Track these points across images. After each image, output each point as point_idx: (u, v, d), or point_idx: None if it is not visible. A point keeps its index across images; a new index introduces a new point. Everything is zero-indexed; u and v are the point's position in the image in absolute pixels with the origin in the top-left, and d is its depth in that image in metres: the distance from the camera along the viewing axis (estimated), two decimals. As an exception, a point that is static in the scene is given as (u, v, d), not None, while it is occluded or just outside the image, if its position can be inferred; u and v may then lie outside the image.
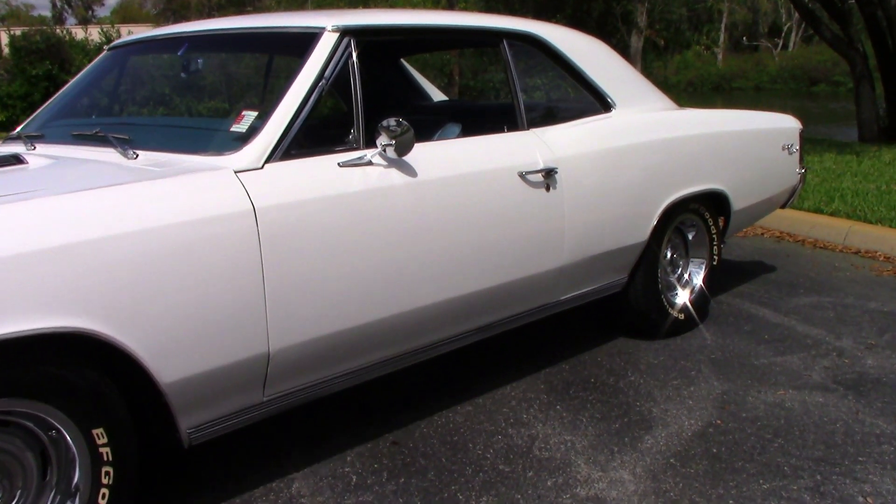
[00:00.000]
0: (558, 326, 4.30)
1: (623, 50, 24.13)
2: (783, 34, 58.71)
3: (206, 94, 3.30)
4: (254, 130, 2.66)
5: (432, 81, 5.07)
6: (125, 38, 3.59)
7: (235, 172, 2.52)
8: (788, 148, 4.74)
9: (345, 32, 2.90)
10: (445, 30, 3.37)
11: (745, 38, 61.17)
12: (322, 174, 2.70)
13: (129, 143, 2.80)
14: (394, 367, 3.04)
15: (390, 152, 2.80)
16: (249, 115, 2.73)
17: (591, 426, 3.24)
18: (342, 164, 2.76)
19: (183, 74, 3.31)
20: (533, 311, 3.53)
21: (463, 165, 3.08)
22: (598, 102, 3.84)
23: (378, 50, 4.43)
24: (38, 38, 21.22)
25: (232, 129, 2.71)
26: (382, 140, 2.79)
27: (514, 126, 3.46)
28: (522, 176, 3.25)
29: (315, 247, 2.61)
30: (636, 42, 23.32)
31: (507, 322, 3.43)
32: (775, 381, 3.64)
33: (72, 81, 3.60)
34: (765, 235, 6.69)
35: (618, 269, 3.89)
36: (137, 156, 2.69)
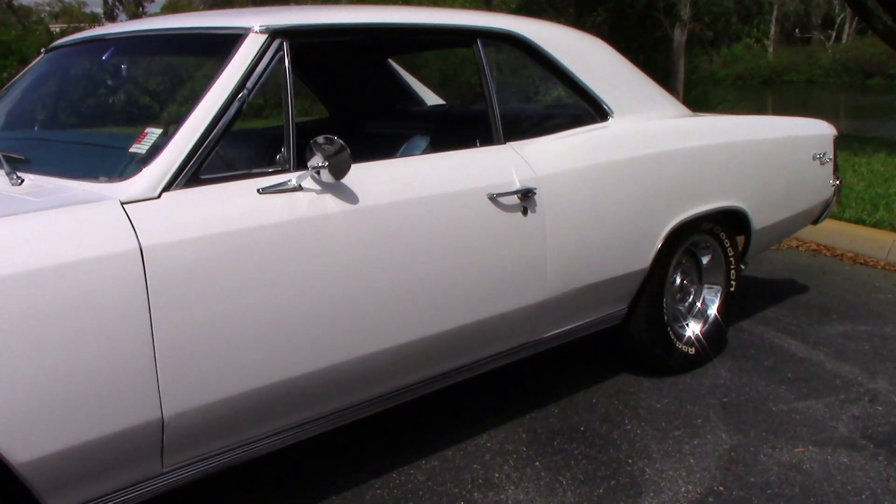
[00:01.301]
0: (552, 358, 3.83)
1: (666, 44, 23.40)
2: (836, 26, 57.18)
3: (130, 104, 2.89)
4: (155, 151, 2.24)
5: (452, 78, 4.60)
6: (66, 38, 3.20)
7: (122, 204, 2.11)
8: (820, 157, 4.20)
9: (275, 34, 2.47)
10: (405, 29, 2.92)
11: (796, 31, 59.64)
12: (235, 203, 2.28)
13: (23, 163, 2.42)
14: (333, 425, 2.61)
15: (325, 175, 2.37)
16: (152, 133, 2.31)
17: (570, 490, 2.78)
18: (263, 191, 2.33)
19: (109, 81, 2.91)
20: (509, 351, 3.07)
21: (417, 188, 2.63)
22: (592, 110, 3.35)
23: (354, 51, 3.99)
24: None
25: (131, 149, 2.30)
26: (315, 161, 2.37)
27: (488, 139, 3.00)
28: (493, 199, 2.79)
29: (222, 292, 2.19)
30: (679, 35, 22.52)
31: (476, 366, 2.98)
32: (794, 434, 3.13)
33: (7, 86, 3.22)
34: (799, 248, 6.13)
35: (615, 300, 3.41)
36: (22, 181, 2.29)
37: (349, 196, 2.46)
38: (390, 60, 4.34)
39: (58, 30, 21.74)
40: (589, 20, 24.05)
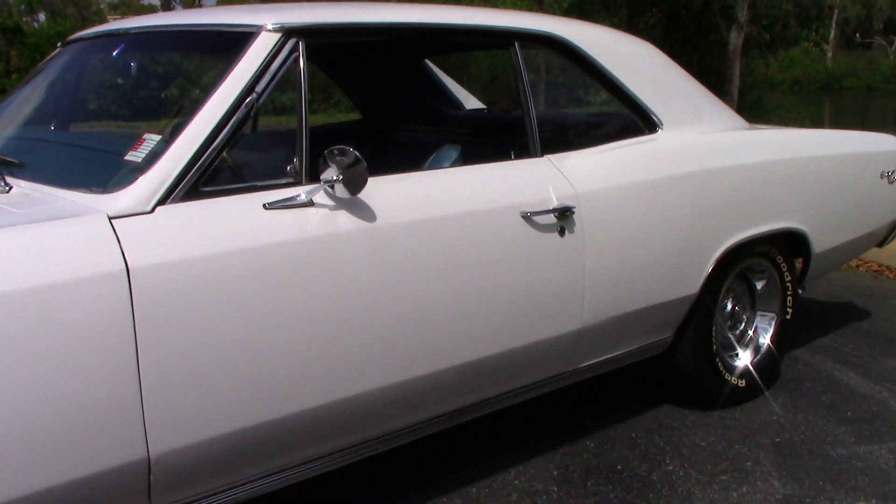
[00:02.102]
0: (587, 385, 3.55)
1: (722, 47, 22.80)
2: (900, 31, 55.65)
3: (134, 105, 2.70)
4: (151, 160, 2.04)
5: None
6: (83, 32, 3.02)
7: (110, 219, 1.90)
8: (888, 175, 3.88)
9: (289, 32, 2.25)
10: (431, 30, 2.68)
11: (857, 35, 58.17)
12: (238, 219, 2.06)
13: (18, 168, 2.25)
14: (342, 463, 2.38)
15: (339, 190, 2.14)
16: (150, 140, 2.11)
17: (603, 541, 2.52)
18: (270, 206, 2.11)
19: (119, 80, 2.72)
20: (541, 383, 2.82)
21: (442, 205, 2.40)
22: (639, 121, 3.08)
23: (385, 51, 3.76)
24: (128, 26, 21.50)
25: (126, 157, 2.10)
26: (329, 174, 2.14)
27: (523, 151, 2.75)
28: (527, 217, 2.54)
29: (219, 319, 1.98)
30: (735, 38, 21.92)
31: (504, 398, 2.73)
32: (854, 485, 2.83)
33: (23, 80, 3.06)
34: (859, 268, 5.77)
35: (659, 328, 3.14)
36: (10, 189, 2.11)
37: (365, 213, 2.23)
38: (427, 61, 4.11)
39: (113, 20, 21.85)
40: (642, 21, 23.57)
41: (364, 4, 2.71)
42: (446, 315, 2.38)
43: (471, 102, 4.23)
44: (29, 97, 2.91)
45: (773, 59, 34.80)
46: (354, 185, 2.14)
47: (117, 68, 2.68)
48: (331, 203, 2.19)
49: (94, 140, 2.56)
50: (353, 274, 2.20)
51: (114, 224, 1.89)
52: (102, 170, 2.15)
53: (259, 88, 2.17)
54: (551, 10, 22.46)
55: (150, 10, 51.17)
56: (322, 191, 2.17)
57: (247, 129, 2.15)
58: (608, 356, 2.99)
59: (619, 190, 2.81)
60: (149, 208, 1.96)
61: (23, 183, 2.16)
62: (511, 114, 3.94)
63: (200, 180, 2.05)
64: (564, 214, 2.63)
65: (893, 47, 53.93)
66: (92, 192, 2.01)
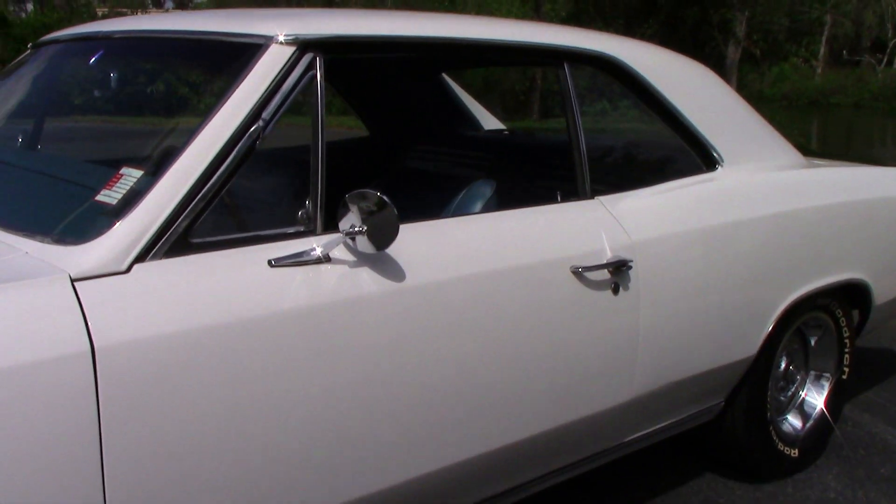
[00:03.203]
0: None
1: (719, 61, 22.56)
2: (888, 50, 55.78)
3: (116, 127, 2.26)
4: (130, 202, 1.61)
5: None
6: (57, 33, 2.58)
7: (73, 281, 1.47)
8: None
9: (305, 46, 1.83)
10: (477, 46, 2.26)
11: (845, 52, 58.21)
12: (236, 281, 1.64)
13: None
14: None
15: (361, 243, 1.72)
16: (129, 176, 1.68)
17: None
18: (276, 262, 1.69)
19: (96, 93, 2.29)
20: (581, 462, 2.41)
21: (482, 259, 1.98)
22: (697, 157, 2.67)
23: (403, 64, 3.35)
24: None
25: (98, 196, 1.67)
26: (349, 222, 1.73)
27: (571, 191, 2.35)
28: (578, 273, 2.14)
29: (209, 413, 1.56)
30: (733, 53, 21.71)
31: (539, 481, 2.32)
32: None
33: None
34: None
35: (711, 393, 2.74)
36: (-51, 232, 1.68)
37: (392, 271, 1.81)
38: (444, 75, 3.69)
39: (102, 13, 21.37)
40: (639, 32, 23.32)
41: (386, 13, 2.30)
42: (485, 394, 1.98)
43: (489, 122, 3.82)
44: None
45: (767, 74, 34.64)
46: (381, 237, 1.72)
47: (94, 79, 2.25)
48: (351, 259, 1.77)
49: (62, 167, 2.11)
50: (377, 349, 1.79)
51: (77, 289, 1.47)
52: (67, 212, 1.72)
53: (266, 114, 1.75)
54: (548, 19, 22.16)
55: (141, 5, 50.32)
56: (341, 243, 1.75)
57: (250, 163, 1.73)
58: (656, 427, 2.59)
59: (678, 239, 2.41)
60: (123, 266, 1.54)
61: (-32, 223, 1.74)
62: (541, 137, 3.52)
63: (191, 229, 1.63)
64: (620, 269, 2.22)
65: (882, 66, 54.04)
66: (53, 241, 1.58)
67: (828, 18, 52.02)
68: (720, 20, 22.52)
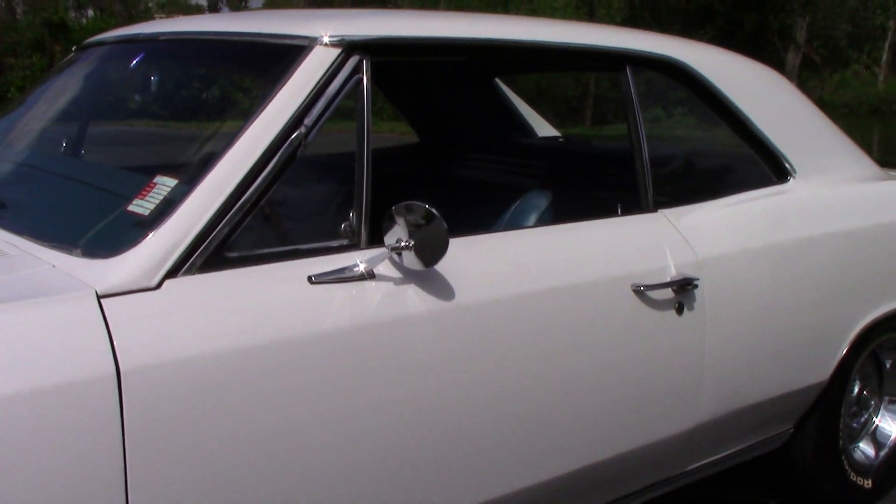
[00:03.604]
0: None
1: (778, 67, 22.05)
2: (954, 56, 54.26)
3: (153, 131, 2.18)
4: (163, 213, 1.51)
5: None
6: (103, 35, 2.51)
7: (100, 298, 1.38)
8: None
9: (351, 48, 1.72)
10: (535, 49, 2.12)
11: (906, 58, 56.72)
12: (273, 299, 1.53)
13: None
14: None
15: (408, 258, 1.60)
16: (163, 185, 1.58)
17: None
18: (317, 279, 1.58)
19: (137, 96, 2.21)
20: (637, 493, 2.26)
21: (538, 276, 1.85)
22: (767, 167, 2.50)
23: (456, 67, 3.22)
24: (168, 22, 21.42)
25: (130, 207, 1.57)
26: (395, 235, 1.61)
27: (632, 203, 2.20)
28: (639, 292, 1.99)
29: (242, 436, 1.45)
30: (793, 59, 21.22)
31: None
32: None
33: (34, 87, 2.56)
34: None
35: (779, 420, 2.56)
36: (-21, 241, 1.60)
37: (441, 289, 1.69)
38: (497, 80, 3.56)
39: (160, 19, 21.66)
40: (696, 37, 22.93)
41: (437, 13, 2.18)
42: (540, 422, 1.85)
43: (543, 129, 3.68)
44: (34, 110, 2.41)
45: (828, 80, 33.84)
46: (429, 253, 1.60)
47: (135, 83, 2.17)
48: (397, 275, 1.66)
49: (96, 175, 2.02)
50: (423, 372, 1.67)
51: (103, 306, 1.37)
52: (97, 222, 1.63)
53: (309, 120, 1.64)
54: (604, 21, 21.90)
55: (198, 10, 51.14)
56: (387, 259, 1.63)
57: (291, 172, 1.62)
58: (720, 455, 2.43)
59: (747, 255, 2.25)
60: (153, 282, 1.44)
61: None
62: (597, 146, 3.37)
63: (226, 243, 1.52)
64: (685, 288, 2.07)
65: (947, 73, 52.51)
66: (80, 254, 1.49)
67: (891, 24, 50.80)
68: (780, 26, 21.98)
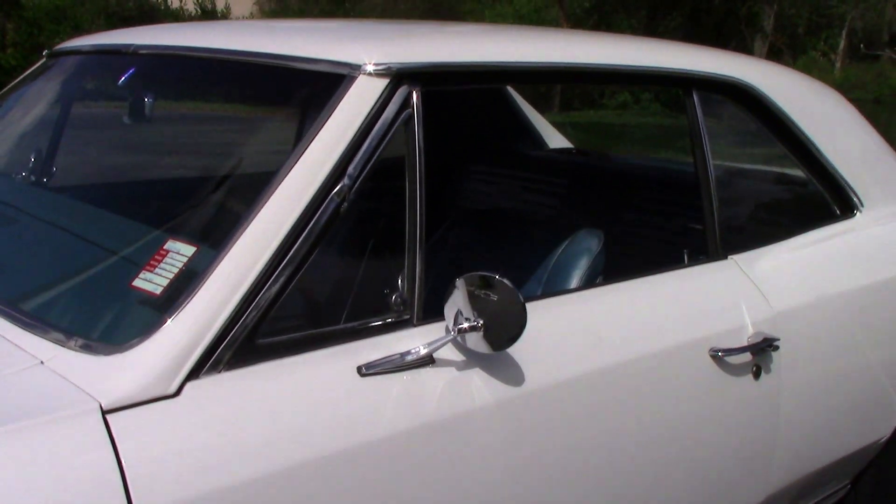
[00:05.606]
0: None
1: (745, 54, 22.01)
2: (910, 44, 54.99)
3: (151, 176, 1.84)
4: (179, 292, 1.20)
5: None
6: (75, 41, 2.16)
7: (104, 414, 1.07)
8: None
9: (399, 77, 1.42)
10: (592, 72, 1.83)
11: (862, 46, 57.32)
12: (318, 401, 1.23)
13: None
14: None
15: (474, 340, 1.32)
16: (177, 254, 1.27)
17: None
18: (368, 370, 1.28)
19: (126, 119, 1.87)
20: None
21: (611, 347, 1.58)
22: (832, 199, 2.24)
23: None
24: (131, 4, 20.73)
25: (136, 282, 1.26)
26: (454, 307, 1.32)
27: (699, 245, 1.93)
28: (717, 357, 1.73)
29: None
30: (760, 48, 21.16)
31: None
32: None
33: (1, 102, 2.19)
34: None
35: (839, 477, 2.33)
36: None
37: (510, 373, 1.41)
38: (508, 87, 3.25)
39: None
40: (662, 24, 22.79)
41: (483, 32, 1.89)
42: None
43: (554, 139, 3.38)
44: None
45: (793, 67, 33.99)
46: (502, 336, 1.31)
47: (121, 103, 1.82)
48: (458, 358, 1.37)
49: (85, 225, 1.65)
50: (491, 470, 1.39)
51: (110, 425, 1.06)
52: (95, 299, 1.31)
53: (353, 169, 1.34)
54: (571, 10, 21.64)
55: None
56: (450, 342, 1.34)
57: (333, 234, 1.32)
58: (780, 519, 2.19)
59: (824, 305, 2.00)
60: (172, 388, 1.13)
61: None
62: (626, 164, 3.08)
63: (259, 327, 1.22)
64: (765, 349, 1.81)
65: (903, 60, 53.18)
66: (75, 346, 1.18)
67: (850, 13, 51.33)
68: (747, 13, 21.91)
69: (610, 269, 2.00)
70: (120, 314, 1.24)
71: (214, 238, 1.27)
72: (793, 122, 2.12)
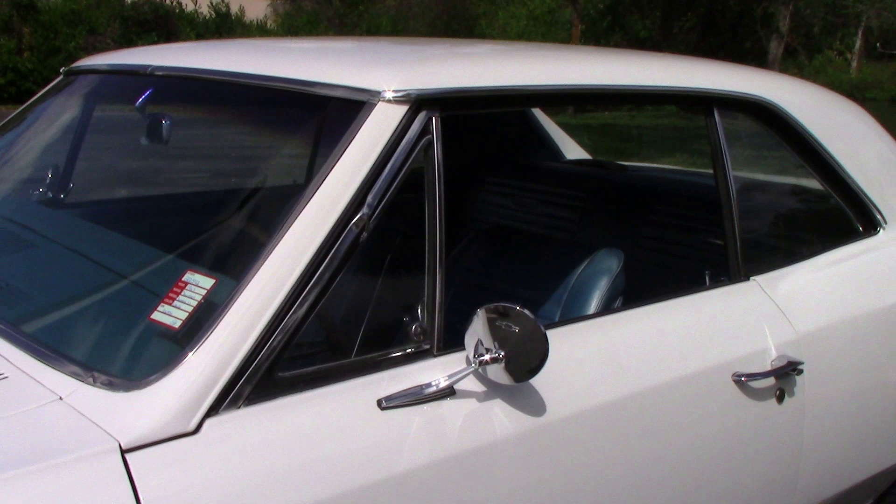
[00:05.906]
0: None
1: (761, 55, 21.86)
2: (926, 44, 54.58)
3: (170, 203, 1.82)
4: (198, 327, 1.19)
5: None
6: (95, 59, 2.15)
7: (124, 453, 1.06)
8: None
9: (419, 103, 1.40)
10: (613, 94, 1.81)
11: (878, 45, 56.89)
12: (339, 437, 1.22)
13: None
14: None
15: (495, 371, 1.30)
16: (196, 286, 1.26)
17: None
18: (388, 404, 1.27)
19: (143, 141, 1.86)
20: None
21: (635, 374, 1.56)
22: (855, 217, 2.21)
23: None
24: (147, 8, 20.82)
25: (155, 315, 1.24)
26: (475, 336, 1.31)
27: (719, 262, 1.90)
28: (740, 382, 1.70)
29: None
30: (776, 48, 21.02)
31: None
32: None
33: (12, 122, 2.18)
34: None
35: (861, 498, 2.30)
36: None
37: (532, 403, 1.39)
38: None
39: (131, 1, 21.11)
40: (677, 25, 22.68)
41: (501, 53, 1.87)
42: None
43: (571, 150, 3.35)
44: (14, 149, 2.06)
45: (808, 67, 33.77)
46: (523, 368, 1.30)
47: (140, 127, 1.81)
48: (479, 389, 1.35)
49: (101, 252, 1.64)
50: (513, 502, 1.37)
51: (129, 465, 1.05)
52: (113, 333, 1.30)
53: (373, 198, 1.32)
54: (585, 11, 21.55)
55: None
56: (472, 373, 1.32)
57: (353, 264, 1.31)
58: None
59: (848, 327, 1.97)
60: (191, 425, 1.12)
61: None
62: (642, 177, 3.05)
63: (279, 360, 1.21)
64: (788, 374, 1.78)
65: (920, 60, 52.78)
66: (94, 381, 1.17)
67: (865, 12, 51.00)
68: (763, 14, 21.77)
69: (630, 288, 1.97)
70: (138, 348, 1.23)
71: (233, 269, 1.25)
72: (815, 140, 2.09)
